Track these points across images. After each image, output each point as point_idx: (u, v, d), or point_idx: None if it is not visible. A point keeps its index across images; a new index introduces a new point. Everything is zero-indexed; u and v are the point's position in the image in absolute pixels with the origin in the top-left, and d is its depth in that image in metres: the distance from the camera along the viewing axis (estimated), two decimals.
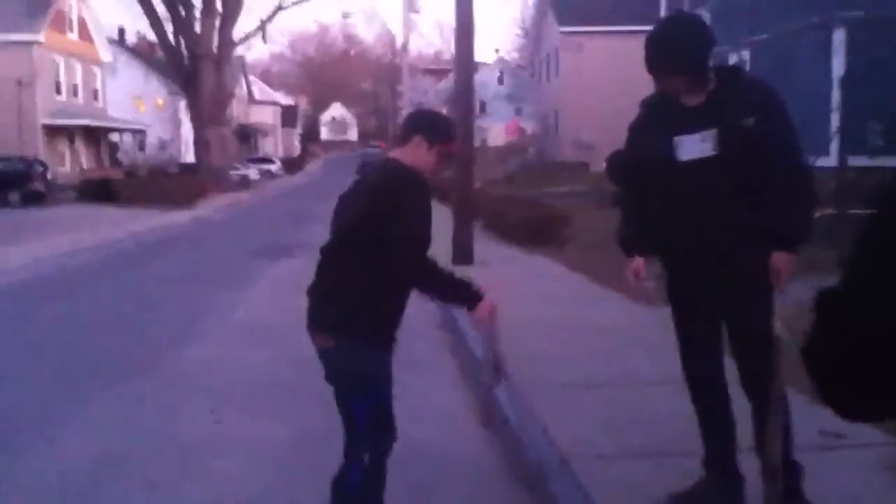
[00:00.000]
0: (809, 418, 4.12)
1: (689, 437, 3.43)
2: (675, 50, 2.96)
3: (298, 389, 5.49)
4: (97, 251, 14.12)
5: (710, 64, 3.05)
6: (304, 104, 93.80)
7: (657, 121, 3.13)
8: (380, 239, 2.68)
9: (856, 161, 12.82)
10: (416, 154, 2.90)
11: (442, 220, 12.79)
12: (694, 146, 2.98)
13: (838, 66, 13.92)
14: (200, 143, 32.78)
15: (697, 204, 3.00)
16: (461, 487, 3.76)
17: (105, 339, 7.12)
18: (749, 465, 3.13)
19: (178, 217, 21.37)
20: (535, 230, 12.47)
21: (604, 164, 21.26)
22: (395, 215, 2.69)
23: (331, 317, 2.81)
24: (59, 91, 32.46)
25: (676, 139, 3.01)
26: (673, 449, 3.77)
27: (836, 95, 13.26)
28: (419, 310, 8.15)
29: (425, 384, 5.59)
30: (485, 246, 12.01)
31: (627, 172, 3.34)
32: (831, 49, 14.18)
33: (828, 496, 3.22)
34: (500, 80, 53.69)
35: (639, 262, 3.26)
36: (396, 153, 2.95)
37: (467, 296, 2.90)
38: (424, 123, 3.00)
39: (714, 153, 2.95)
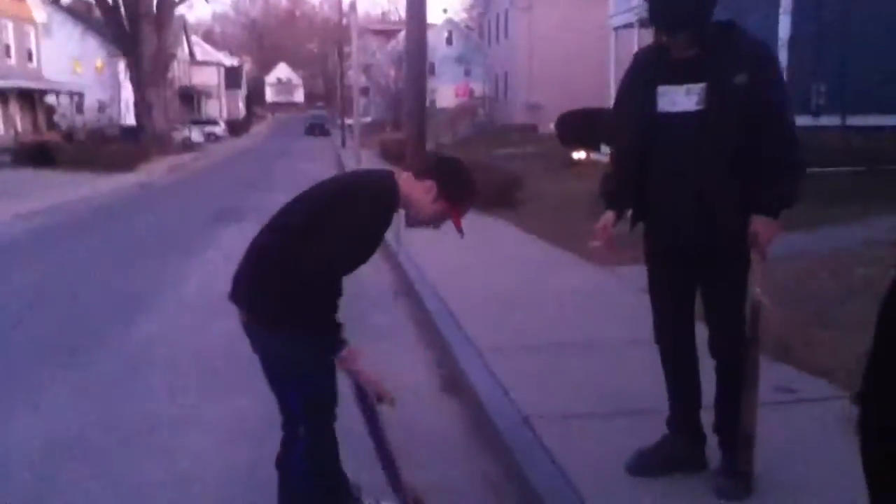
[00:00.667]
0: (764, 375, 4.25)
1: (652, 397, 3.48)
2: (681, 5, 2.87)
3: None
4: (38, 218, 13.61)
5: None
6: (248, 65, 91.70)
7: (645, 72, 3.07)
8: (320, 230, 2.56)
9: (801, 121, 13.06)
10: (419, 195, 2.74)
11: None
12: (677, 99, 2.94)
13: (784, 27, 14.12)
14: (142, 106, 31.86)
15: (677, 160, 2.95)
16: (424, 453, 3.76)
17: (51, 314, 6.89)
18: (709, 422, 3.21)
19: (121, 181, 20.77)
20: (489, 193, 12.45)
21: (552, 126, 21.35)
22: (345, 223, 2.57)
23: (272, 307, 2.66)
24: None
25: (660, 89, 2.97)
26: (636, 408, 3.83)
27: (782, 56, 13.46)
28: (378, 279, 8.18)
29: (385, 351, 5.56)
30: None
31: (612, 124, 3.27)
32: (779, 11, 14.36)
33: (783, 446, 3.33)
34: (449, 41, 53.16)
35: (609, 216, 3.21)
36: (403, 180, 2.77)
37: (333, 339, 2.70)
38: (450, 174, 2.81)
39: (698, 108, 2.90)
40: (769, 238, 2.90)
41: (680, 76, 2.93)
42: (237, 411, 4.40)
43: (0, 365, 5.44)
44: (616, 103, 3.27)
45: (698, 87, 2.90)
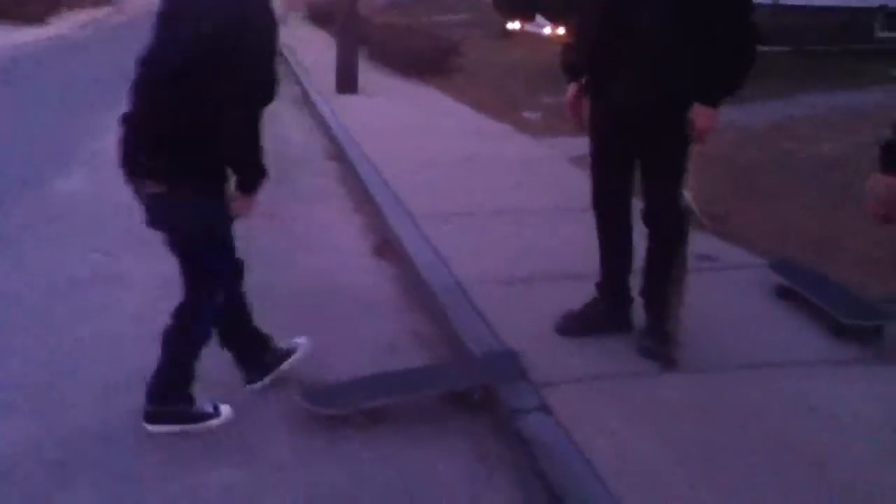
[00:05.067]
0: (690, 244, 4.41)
1: (582, 263, 3.58)
2: None
3: None
4: None
5: None
6: None
7: None
8: (227, 60, 2.41)
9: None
10: None
11: (325, 47, 12.28)
12: None
13: None
14: None
15: (629, 30, 2.87)
16: (359, 316, 3.81)
17: None
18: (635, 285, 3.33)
19: (32, 34, 19.37)
20: (423, 60, 12.14)
21: None
22: (247, 30, 2.43)
23: (162, 161, 2.55)
24: None
25: None
26: (567, 273, 3.93)
27: None
28: (309, 140, 8.00)
29: (318, 215, 5.53)
30: (370, 75, 11.63)
31: None
32: None
33: (704, 312, 3.47)
34: None
35: (573, 87, 3.19)
36: None
37: (256, 177, 2.63)
38: None
39: None
40: (707, 126, 2.89)
41: None
42: (165, 272, 4.32)
43: None
44: None
45: None
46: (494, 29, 17.59)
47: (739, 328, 3.39)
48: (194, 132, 2.47)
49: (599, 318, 3.32)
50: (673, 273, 3.05)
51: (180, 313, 2.78)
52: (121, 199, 5.58)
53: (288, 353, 3.13)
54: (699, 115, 2.87)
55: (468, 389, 2.96)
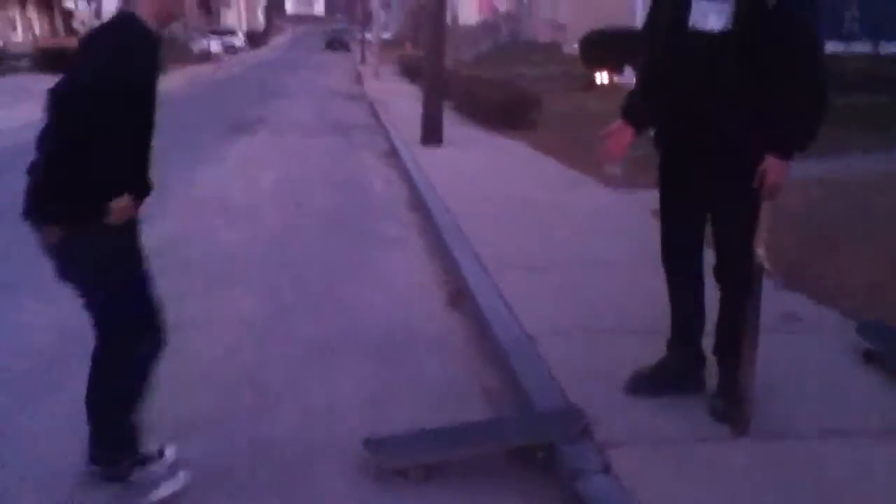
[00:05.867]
0: (773, 302, 4.24)
1: (656, 318, 3.48)
2: None
3: (269, 264, 5.48)
4: None
5: None
6: None
7: None
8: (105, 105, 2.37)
9: (831, 47, 12.66)
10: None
11: (413, 100, 12.59)
12: (707, 16, 2.79)
13: None
14: None
15: (702, 79, 2.83)
16: (427, 365, 3.81)
17: None
18: (708, 345, 3.21)
19: None
20: (506, 112, 12.26)
21: (576, 46, 20.83)
22: (123, 77, 2.41)
23: (62, 208, 2.46)
24: None
25: (694, 3, 2.82)
26: (639, 328, 3.84)
27: None
28: (392, 191, 8.16)
29: (396, 263, 5.60)
30: (455, 128, 11.84)
31: (644, 35, 3.13)
32: None
33: (785, 375, 3.33)
34: None
35: (620, 125, 3.13)
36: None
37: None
38: None
39: (726, 29, 2.76)
40: (778, 179, 2.80)
41: None
42: (246, 311, 4.45)
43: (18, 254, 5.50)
44: (650, 13, 3.12)
45: (727, 6, 2.76)
46: (580, 82, 17.64)
47: (820, 392, 3.21)
48: (81, 173, 2.40)
49: (669, 378, 3.21)
50: (745, 330, 2.92)
51: (99, 366, 2.66)
52: (208, 243, 5.91)
53: (146, 460, 2.75)
54: (770, 167, 2.79)
55: (529, 446, 2.90)
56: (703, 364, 3.23)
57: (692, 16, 2.83)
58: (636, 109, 3.14)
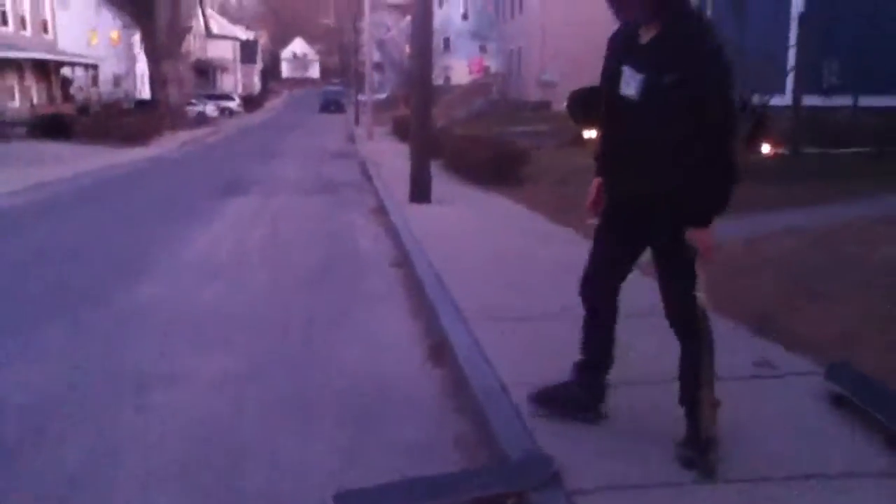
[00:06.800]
0: (745, 348, 4.29)
1: (622, 369, 3.52)
2: None
3: (250, 322, 5.52)
4: (51, 187, 13.81)
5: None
6: (264, 39, 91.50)
7: (615, 48, 3.10)
8: None
9: (811, 101, 12.95)
10: None
11: (405, 159, 12.85)
12: (629, 83, 2.94)
13: (797, 2, 13.92)
14: (157, 79, 31.94)
15: (630, 141, 3.01)
16: (402, 417, 3.83)
17: (55, 273, 7.03)
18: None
19: (134, 154, 20.95)
20: (494, 169, 12.47)
21: (565, 103, 21.20)
22: None
23: None
24: (5, 22, 31.18)
25: (625, 70, 2.97)
26: (613, 378, 3.87)
27: (792, 33, 13.28)
28: (378, 247, 8.25)
29: (376, 317, 5.64)
30: (444, 185, 12.01)
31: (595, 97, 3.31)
32: None
33: (758, 422, 3.36)
34: (465, 17, 52.73)
35: (596, 183, 3.31)
36: None
37: None
38: None
39: (637, 98, 2.90)
40: (707, 244, 2.90)
41: (637, 60, 2.93)
42: (222, 369, 4.48)
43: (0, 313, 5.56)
44: (601, 77, 3.25)
45: (639, 77, 2.89)
46: (569, 138, 17.92)
47: (789, 437, 3.24)
48: None
49: (571, 401, 3.40)
50: (701, 375, 2.98)
51: None
52: (192, 302, 5.97)
53: None
54: (694, 236, 2.89)
55: (500, 495, 2.92)
56: (601, 399, 3.40)
57: (621, 83, 2.98)
58: (599, 165, 3.30)
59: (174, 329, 5.31)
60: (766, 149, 12.21)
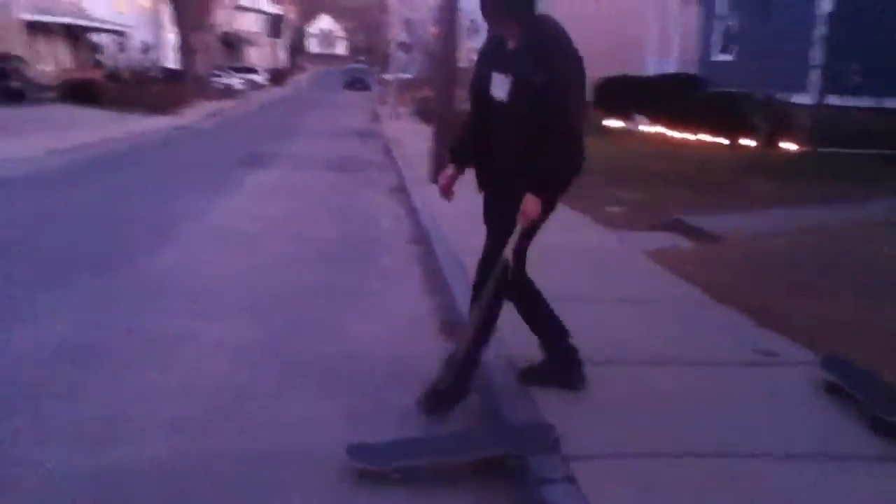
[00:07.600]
0: (753, 340, 4.45)
1: (629, 349, 3.70)
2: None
3: (269, 292, 5.73)
4: (79, 152, 14.11)
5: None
6: (291, 14, 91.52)
7: (487, 58, 3.53)
8: None
9: (834, 100, 12.95)
10: None
11: (426, 140, 12.97)
12: (499, 87, 3.39)
13: (826, 1, 13.85)
14: (185, 49, 32.17)
15: (497, 137, 3.47)
16: (412, 385, 4.01)
17: (80, 238, 7.27)
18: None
19: (163, 123, 21.25)
20: None
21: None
22: None
23: None
24: None
25: (494, 75, 3.41)
26: (615, 358, 4.08)
27: (818, 31, 13.24)
28: (397, 225, 8.44)
29: (391, 292, 5.84)
30: None
31: (471, 95, 3.66)
32: None
33: (747, 405, 3.55)
34: None
35: (450, 171, 3.78)
36: None
37: None
38: None
39: (506, 99, 3.35)
40: (531, 211, 3.38)
41: (504, 66, 3.37)
42: (239, 335, 4.69)
43: (29, 276, 5.82)
44: (471, 79, 3.67)
45: (508, 80, 3.34)
46: (593, 126, 17.99)
47: (778, 419, 3.42)
48: None
49: (552, 373, 3.80)
50: (482, 307, 3.58)
51: None
52: (213, 270, 6.18)
53: None
54: (526, 200, 3.35)
55: (500, 457, 3.11)
56: (575, 356, 3.79)
57: (492, 85, 3.43)
58: (457, 154, 3.79)
59: (193, 297, 5.52)
60: (786, 145, 12.26)
